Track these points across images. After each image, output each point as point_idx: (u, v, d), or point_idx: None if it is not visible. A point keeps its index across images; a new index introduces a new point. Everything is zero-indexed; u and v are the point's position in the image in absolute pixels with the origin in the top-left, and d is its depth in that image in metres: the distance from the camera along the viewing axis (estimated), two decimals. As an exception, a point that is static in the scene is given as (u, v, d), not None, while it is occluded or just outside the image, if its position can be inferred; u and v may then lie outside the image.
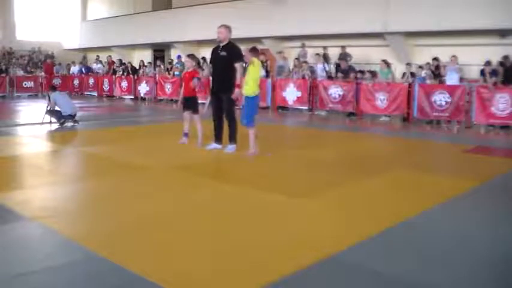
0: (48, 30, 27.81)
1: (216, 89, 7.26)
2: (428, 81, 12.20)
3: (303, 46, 16.11)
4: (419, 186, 5.36)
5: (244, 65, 7.21)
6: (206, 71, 8.76)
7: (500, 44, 12.39)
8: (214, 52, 7.37)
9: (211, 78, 7.91)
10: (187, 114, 7.76)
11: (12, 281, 2.85)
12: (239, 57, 7.09)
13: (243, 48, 7.23)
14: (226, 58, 7.10)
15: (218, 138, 7.42)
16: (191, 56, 7.91)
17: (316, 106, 13.75)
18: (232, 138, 7.27)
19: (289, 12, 16.43)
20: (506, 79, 11.01)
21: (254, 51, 6.95)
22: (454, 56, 11.85)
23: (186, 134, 7.84)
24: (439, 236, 3.77)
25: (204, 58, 17.71)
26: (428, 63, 12.71)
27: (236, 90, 6.93)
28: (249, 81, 6.80)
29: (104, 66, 22.04)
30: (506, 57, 11.30)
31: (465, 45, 13.14)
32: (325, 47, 15.50)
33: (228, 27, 7.21)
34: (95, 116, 13.10)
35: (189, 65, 7.79)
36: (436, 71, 12.41)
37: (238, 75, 6.99)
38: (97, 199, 4.74)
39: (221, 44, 7.23)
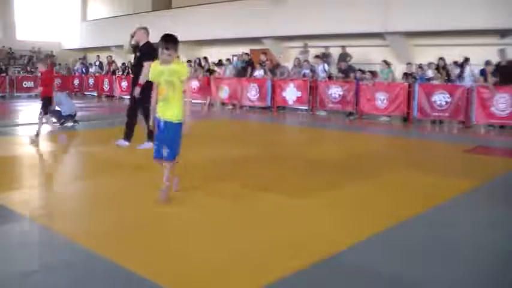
0: (48, 30, 27.80)
1: (131, 89, 7.45)
2: (436, 81, 12.18)
3: (305, 46, 16.10)
4: (419, 187, 5.36)
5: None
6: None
7: (500, 44, 12.37)
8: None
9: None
10: None
11: (12, 281, 2.85)
12: (147, 56, 6.92)
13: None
14: (138, 58, 7.29)
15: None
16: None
17: (316, 106, 13.75)
18: (149, 136, 7.34)
19: (289, 12, 16.42)
20: (504, 78, 10.98)
21: (166, 40, 4.33)
22: (467, 58, 12.07)
23: None
24: (438, 236, 3.77)
25: (205, 58, 17.71)
26: (432, 63, 12.71)
27: (136, 88, 7.02)
28: (171, 100, 4.35)
29: (99, 68, 22.04)
30: (501, 51, 11.31)
31: (465, 45, 13.14)
32: (326, 48, 15.50)
33: (144, 29, 7.33)
34: (95, 116, 13.10)
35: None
36: (443, 71, 12.39)
37: (144, 71, 6.87)
38: (97, 199, 4.73)
39: (139, 45, 7.34)
